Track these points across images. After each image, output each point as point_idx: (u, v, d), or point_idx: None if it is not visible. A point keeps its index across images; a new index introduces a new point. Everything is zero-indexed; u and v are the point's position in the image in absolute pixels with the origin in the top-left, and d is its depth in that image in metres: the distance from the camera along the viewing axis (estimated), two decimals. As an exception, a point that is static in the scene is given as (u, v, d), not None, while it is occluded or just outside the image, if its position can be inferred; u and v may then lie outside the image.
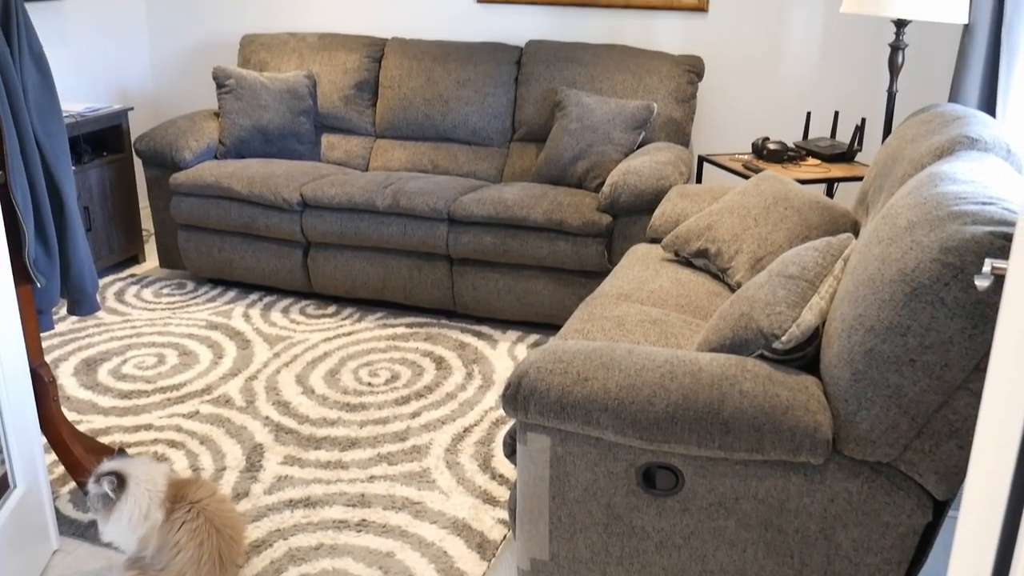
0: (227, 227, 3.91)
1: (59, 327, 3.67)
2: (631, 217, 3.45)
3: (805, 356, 1.87)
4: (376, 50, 4.33)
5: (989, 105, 3.13)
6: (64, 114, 3.53)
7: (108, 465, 2.14)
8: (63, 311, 3.81)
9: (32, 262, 2.30)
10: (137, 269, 4.36)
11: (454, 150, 4.21)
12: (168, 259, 4.16)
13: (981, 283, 1.23)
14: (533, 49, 4.14)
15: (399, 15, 4.53)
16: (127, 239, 4.32)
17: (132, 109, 4.32)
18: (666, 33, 4.18)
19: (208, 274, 4.08)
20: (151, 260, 4.48)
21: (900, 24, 3.25)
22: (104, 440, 2.86)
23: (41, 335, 2.89)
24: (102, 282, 4.15)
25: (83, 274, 2.51)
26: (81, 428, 2.93)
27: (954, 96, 3.19)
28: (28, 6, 4.08)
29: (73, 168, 3.22)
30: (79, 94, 4.53)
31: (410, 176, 3.93)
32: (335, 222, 3.75)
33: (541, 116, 4.07)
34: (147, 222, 5.01)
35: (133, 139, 4.79)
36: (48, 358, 3.40)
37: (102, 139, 4.24)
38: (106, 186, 4.15)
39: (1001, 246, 1.57)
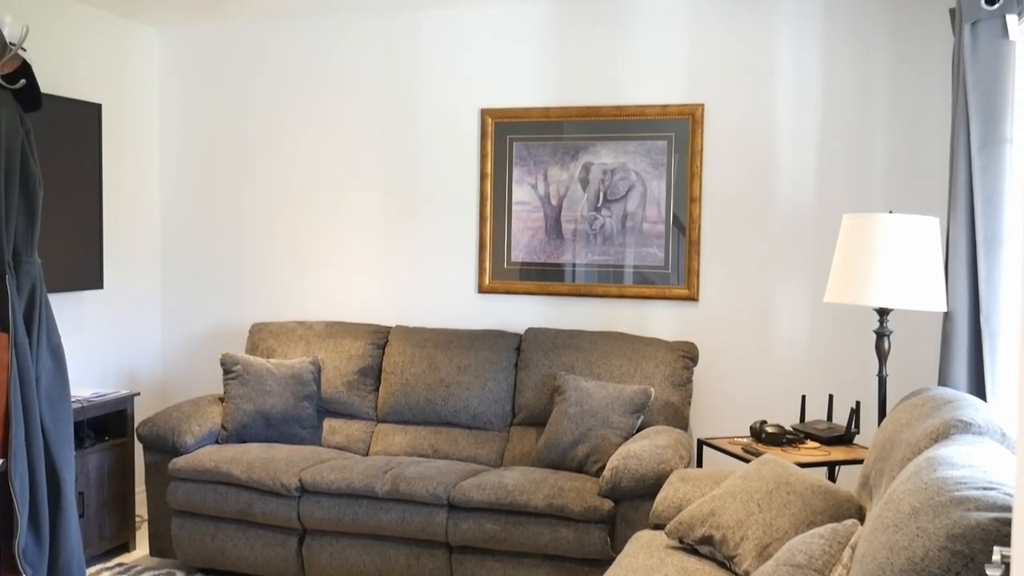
0: (223, 514, 3.84)
1: (37, 622, 3.49)
2: (633, 502, 3.40)
3: (821, 652, 1.78)
4: (380, 337, 4.48)
5: (978, 388, 3.20)
6: (72, 399, 3.60)
7: None
8: (44, 604, 3.64)
9: (21, 552, 2.25)
10: (126, 558, 4.22)
11: (455, 434, 4.23)
12: (159, 547, 4.05)
13: (993, 572, 1.21)
14: (532, 336, 4.29)
15: (403, 304, 4.74)
16: (119, 526, 4.22)
17: (138, 394, 4.40)
18: (660, 320, 4.36)
19: (199, 563, 3.95)
20: (142, 548, 4.35)
21: (882, 312, 3.40)
22: None
23: (18, 631, 2.75)
24: (88, 571, 4.00)
25: (71, 565, 2.44)
26: None
27: (943, 379, 3.27)
28: (51, 296, 4.28)
29: (74, 453, 3.23)
30: (89, 379, 4.63)
31: (410, 461, 3.92)
32: (333, 508, 3.70)
33: (541, 401, 4.14)
34: (141, 507, 4.92)
35: (136, 423, 4.83)
36: (21, 657, 3.21)
37: (105, 424, 4.27)
38: (104, 472, 4.13)
39: (1007, 532, 1.55)
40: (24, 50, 3.12)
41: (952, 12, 3.36)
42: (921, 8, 3.98)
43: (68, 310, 4.47)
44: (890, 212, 3.29)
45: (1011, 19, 3.01)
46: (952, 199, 3.24)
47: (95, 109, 4.47)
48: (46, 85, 4.27)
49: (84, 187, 4.40)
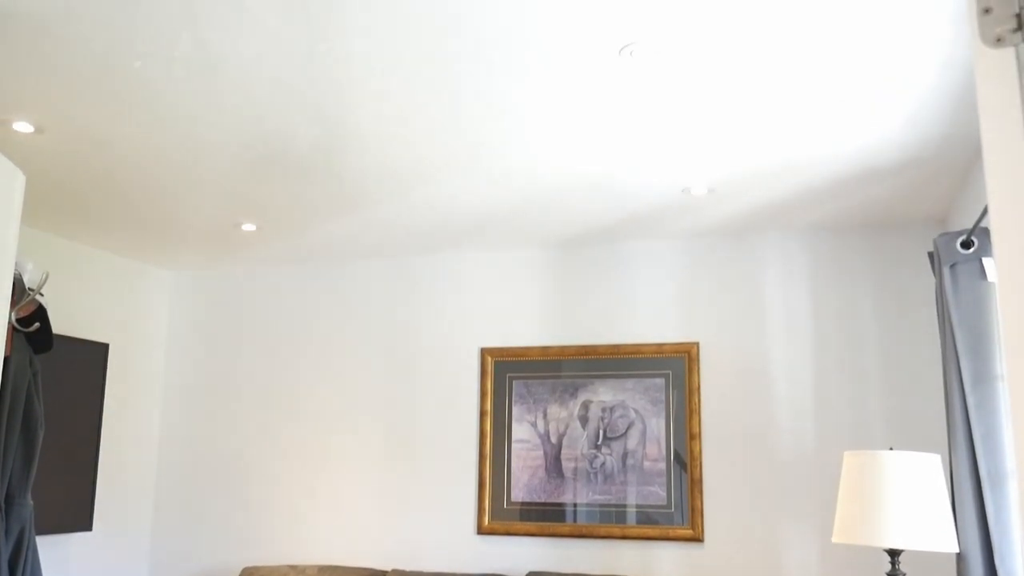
0: None
1: None
2: None
3: None
4: (376, 582, 4.31)
5: (1002, 635, 3.04)
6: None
7: None
8: None
9: None
10: None
11: None
12: None
13: None
14: (533, 580, 4.14)
15: (401, 545, 4.60)
16: None
17: (119, 646, 4.17)
18: (664, 563, 4.21)
19: None
20: None
21: (893, 553, 3.29)
22: None
23: None
24: None
25: None
26: None
27: (965, 626, 3.11)
28: (38, 538, 4.16)
29: None
30: (67, 630, 4.40)
31: None
32: None
33: (543, 650, 3.92)
34: None
35: None
36: None
37: None
38: None
39: None
40: (41, 295, 3.24)
41: (931, 255, 3.51)
42: (902, 247, 4.17)
43: (54, 553, 4.34)
44: (890, 449, 3.27)
45: (987, 262, 3.14)
46: (951, 436, 3.24)
47: (102, 349, 4.56)
48: (58, 325, 4.39)
49: (83, 426, 4.41)
